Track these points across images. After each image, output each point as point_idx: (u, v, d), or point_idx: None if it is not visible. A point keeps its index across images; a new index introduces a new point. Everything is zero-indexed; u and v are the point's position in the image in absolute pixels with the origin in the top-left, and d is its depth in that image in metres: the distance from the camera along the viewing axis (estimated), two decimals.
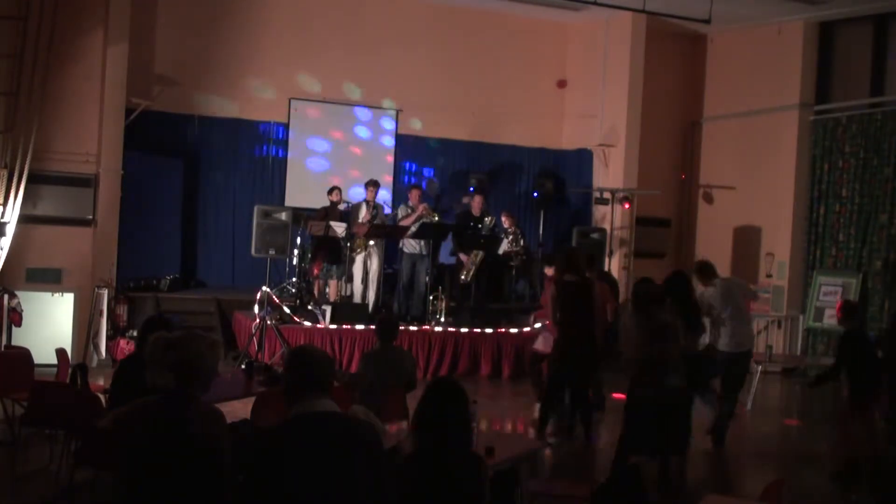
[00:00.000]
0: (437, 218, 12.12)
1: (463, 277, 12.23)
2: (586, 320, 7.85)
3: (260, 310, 10.68)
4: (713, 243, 14.30)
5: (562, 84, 15.18)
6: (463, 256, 12.28)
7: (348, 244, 11.46)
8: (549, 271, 9.18)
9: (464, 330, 11.35)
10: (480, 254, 12.12)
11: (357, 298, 11.73)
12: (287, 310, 11.08)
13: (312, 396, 3.38)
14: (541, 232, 14.39)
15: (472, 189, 13.83)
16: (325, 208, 11.79)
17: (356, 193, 13.15)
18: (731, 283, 8.60)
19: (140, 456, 3.46)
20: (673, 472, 6.82)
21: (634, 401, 6.66)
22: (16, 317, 10.29)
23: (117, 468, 4.75)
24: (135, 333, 11.18)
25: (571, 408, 8.37)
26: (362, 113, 13.92)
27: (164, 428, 3.43)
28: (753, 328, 9.02)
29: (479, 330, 11.41)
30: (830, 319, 12.12)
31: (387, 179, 13.60)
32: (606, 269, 13.09)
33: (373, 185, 11.85)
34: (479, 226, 12.35)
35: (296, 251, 12.02)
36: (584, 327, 7.86)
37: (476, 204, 12.49)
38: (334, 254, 11.67)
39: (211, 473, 3.44)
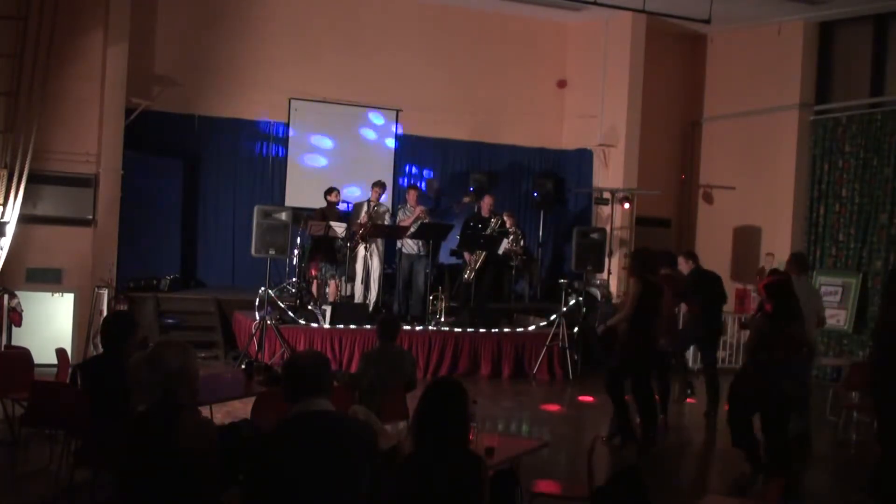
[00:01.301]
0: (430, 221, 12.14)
1: (466, 276, 12.25)
2: (655, 320, 7.96)
3: (260, 310, 10.70)
4: (713, 243, 14.31)
5: (562, 84, 15.18)
6: (467, 255, 12.31)
7: (348, 244, 11.48)
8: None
9: (464, 330, 11.36)
10: (483, 253, 12.14)
11: (358, 298, 11.74)
12: (287, 310, 11.08)
13: (308, 397, 3.45)
14: (541, 232, 14.40)
15: (472, 189, 13.85)
16: (322, 209, 11.79)
17: (356, 194, 13.17)
18: (810, 285, 8.63)
19: (130, 468, 3.49)
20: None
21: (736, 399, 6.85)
22: (16, 317, 10.29)
23: (117, 468, 4.77)
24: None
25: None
26: (362, 113, 13.92)
27: (153, 442, 3.47)
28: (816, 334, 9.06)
29: (479, 330, 11.42)
30: (831, 319, 12.11)
31: (386, 180, 13.58)
32: (608, 269, 13.09)
33: (379, 186, 11.89)
34: (480, 225, 12.36)
35: (296, 251, 12.02)
36: (654, 329, 7.97)
37: (485, 205, 12.52)
38: (332, 254, 11.68)
39: (197, 485, 3.46)
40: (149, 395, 3.58)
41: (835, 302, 12.21)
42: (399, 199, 13.28)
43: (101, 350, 10.66)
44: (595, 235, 12.80)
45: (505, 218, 12.46)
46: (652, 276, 8.02)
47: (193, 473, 3.45)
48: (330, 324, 10.87)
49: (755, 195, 13.68)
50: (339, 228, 11.36)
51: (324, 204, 11.90)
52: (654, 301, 7.91)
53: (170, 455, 3.43)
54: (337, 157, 13.80)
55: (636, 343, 7.87)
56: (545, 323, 11.81)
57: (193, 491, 3.46)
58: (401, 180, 14.19)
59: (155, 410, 3.55)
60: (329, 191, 11.91)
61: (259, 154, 13.54)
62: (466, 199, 13.80)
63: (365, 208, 11.75)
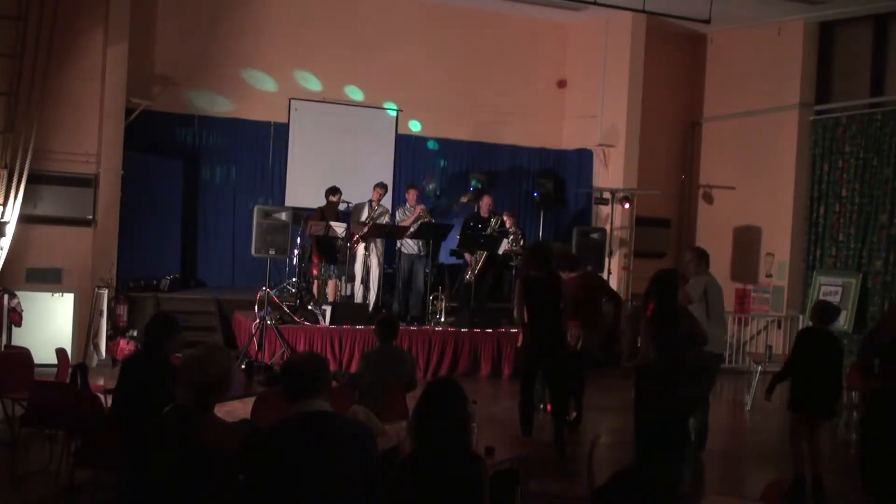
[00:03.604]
0: (432, 220, 12.12)
1: (468, 277, 12.24)
2: (553, 317, 7.70)
3: (260, 310, 10.70)
4: (713, 243, 14.21)
5: (562, 84, 15.18)
6: (468, 256, 12.31)
7: (348, 244, 11.48)
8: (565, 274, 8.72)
9: (464, 330, 11.36)
10: (485, 254, 12.14)
11: (357, 298, 11.74)
12: (287, 310, 11.08)
13: (306, 398, 3.46)
14: (541, 232, 14.39)
15: (471, 189, 13.85)
16: (321, 209, 11.79)
17: (356, 194, 13.15)
18: (713, 280, 8.25)
19: (150, 467, 3.49)
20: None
21: (645, 409, 6.33)
22: (16, 317, 10.29)
23: (117, 468, 4.75)
24: (135, 333, 11.22)
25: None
26: (362, 113, 13.91)
27: (178, 442, 3.47)
28: (727, 333, 8.78)
29: (479, 330, 11.42)
30: None
31: (387, 180, 13.58)
32: (607, 269, 13.10)
33: (380, 187, 11.90)
34: (479, 225, 12.37)
35: (296, 251, 12.03)
36: (551, 324, 7.71)
37: (484, 205, 12.52)
38: (332, 254, 11.69)
39: (214, 488, 3.46)
40: (188, 391, 3.56)
41: (835, 302, 12.20)
42: (398, 198, 13.28)
43: (101, 351, 10.76)
44: (595, 235, 12.81)
45: (505, 218, 12.46)
46: (536, 272, 7.76)
47: (213, 476, 3.46)
48: (330, 324, 10.87)
49: (755, 195, 13.68)
50: (339, 228, 11.37)
51: (324, 203, 11.89)
52: (539, 298, 7.68)
53: (191, 456, 3.43)
54: (337, 156, 13.78)
55: (524, 341, 7.84)
56: None
57: (210, 493, 3.46)
58: (400, 181, 14.17)
59: (181, 411, 3.55)
60: (332, 191, 11.87)
61: (259, 154, 13.54)
62: (466, 199, 13.80)
63: (366, 209, 11.75)
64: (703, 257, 8.18)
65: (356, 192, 12.29)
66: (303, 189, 13.27)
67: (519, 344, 8.17)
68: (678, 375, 6.14)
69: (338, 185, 12.14)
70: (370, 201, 11.83)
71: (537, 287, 7.74)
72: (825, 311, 7.07)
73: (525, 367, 8.02)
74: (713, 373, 7.91)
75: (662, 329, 6.28)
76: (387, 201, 12.68)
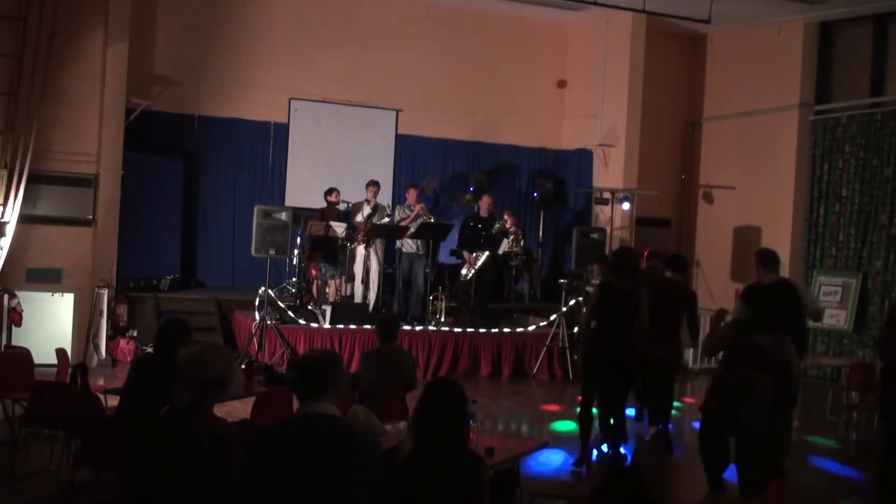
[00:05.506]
0: (432, 219, 12.12)
1: (468, 277, 12.21)
2: (620, 329, 7.07)
3: (260, 310, 10.70)
4: (713, 243, 14.31)
5: (562, 84, 15.19)
6: (466, 254, 12.30)
7: (348, 244, 11.48)
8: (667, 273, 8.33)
9: (464, 330, 11.36)
10: (486, 253, 12.14)
11: (358, 298, 11.75)
12: (287, 310, 11.09)
13: (310, 399, 3.47)
14: (541, 232, 14.41)
15: (472, 189, 13.85)
16: (322, 210, 11.80)
17: (355, 194, 13.16)
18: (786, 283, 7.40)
19: (148, 467, 3.49)
20: None
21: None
22: (16, 317, 10.29)
23: (117, 468, 4.75)
24: (135, 333, 11.24)
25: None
26: (362, 113, 13.91)
27: (177, 442, 3.46)
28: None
29: (479, 330, 11.42)
30: (830, 319, 12.11)
31: (386, 180, 13.58)
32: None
33: (373, 185, 11.89)
34: (479, 225, 12.36)
35: (296, 251, 12.03)
36: (618, 337, 7.07)
37: (484, 204, 12.52)
38: (331, 254, 11.69)
39: (212, 488, 3.46)
40: (189, 390, 3.56)
41: (835, 302, 12.21)
42: (399, 198, 13.29)
43: (101, 351, 10.74)
44: (595, 235, 12.81)
45: (505, 218, 12.47)
46: (619, 279, 7.18)
47: (212, 476, 3.45)
48: (330, 324, 10.88)
49: (755, 195, 13.68)
50: (339, 228, 11.38)
51: (324, 204, 11.91)
52: (614, 307, 7.08)
53: (190, 456, 3.42)
54: (337, 156, 13.78)
55: (589, 354, 7.31)
56: (545, 323, 11.83)
57: (210, 493, 3.45)
58: (400, 180, 14.18)
59: (180, 411, 3.55)
60: (329, 191, 11.92)
61: (259, 154, 13.55)
62: (466, 198, 13.80)
63: (363, 209, 11.76)
64: (759, 259, 7.21)
65: (356, 193, 12.27)
66: (303, 189, 13.28)
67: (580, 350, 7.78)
68: (742, 397, 5.36)
69: (338, 186, 12.14)
70: (367, 201, 11.82)
71: (611, 296, 7.13)
72: None
73: (584, 383, 7.39)
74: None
75: (736, 342, 5.61)
76: (386, 201, 12.68)
